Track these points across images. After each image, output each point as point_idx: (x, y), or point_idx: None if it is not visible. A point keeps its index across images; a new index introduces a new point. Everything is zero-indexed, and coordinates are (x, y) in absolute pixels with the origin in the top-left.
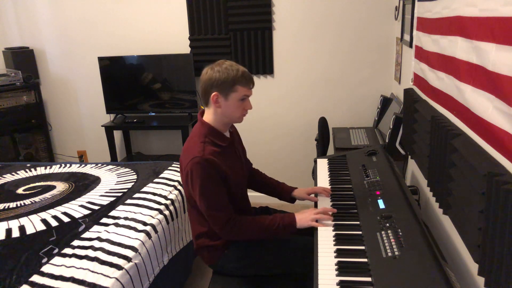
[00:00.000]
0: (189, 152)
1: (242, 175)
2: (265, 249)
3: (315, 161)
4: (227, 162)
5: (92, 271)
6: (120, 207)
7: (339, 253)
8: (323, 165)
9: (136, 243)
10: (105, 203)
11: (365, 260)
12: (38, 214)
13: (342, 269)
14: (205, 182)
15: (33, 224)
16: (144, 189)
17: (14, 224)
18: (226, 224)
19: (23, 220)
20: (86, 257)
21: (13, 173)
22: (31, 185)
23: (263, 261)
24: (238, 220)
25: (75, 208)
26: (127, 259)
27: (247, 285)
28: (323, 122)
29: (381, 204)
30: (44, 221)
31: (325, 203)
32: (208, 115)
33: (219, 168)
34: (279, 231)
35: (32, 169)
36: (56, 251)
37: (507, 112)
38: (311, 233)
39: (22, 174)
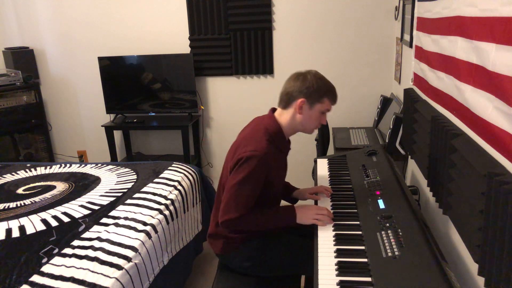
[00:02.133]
0: (252, 142)
1: (281, 185)
2: (277, 252)
3: (315, 161)
4: (277, 168)
5: (92, 271)
6: (120, 207)
7: (339, 253)
8: (323, 165)
9: (136, 243)
10: (105, 203)
11: (365, 260)
12: (38, 214)
13: (342, 269)
14: (251, 176)
15: (33, 224)
16: (144, 189)
17: (14, 224)
18: (234, 221)
19: (23, 220)
20: (86, 257)
21: (13, 173)
22: (31, 185)
23: (273, 263)
24: (245, 220)
25: (75, 208)
26: (127, 259)
27: (252, 284)
28: None
29: (381, 204)
30: (44, 221)
31: (325, 203)
32: (282, 117)
33: (270, 172)
34: (279, 225)
35: (32, 169)
36: (56, 251)
37: (507, 112)
38: (311, 236)
39: (22, 174)
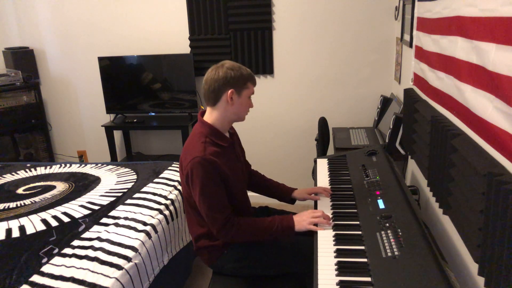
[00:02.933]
0: (190, 152)
1: (242, 176)
2: (265, 250)
3: (315, 161)
4: (227, 163)
5: (92, 271)
6: (120, 207)
7: (339, 253)
8: (323, 165)
9: (136, 243)
10: (105, 203)
11: (365, 260)
12: (38, 214)
13: (342, 269)
14: (206, 182)
15: (33, 224)
16: (144, 189)
17: (14, 224)
18: (225, 226)
19: (23, 220)
20: (86, 257)
21: (13, 173)
22: (31, 185)
23: (263, 262)
24: (237, 222)
25: (75, 208)
26: (127, 259)
27: (246, 285)
28: (323, 122)
29: (381, 204)
30: (44, 221)
31: (325, 203)
32: (212, 115)
33: (220, 169)
34: (278, 234)
35: (32, 169)
36: (56, 251)
37: (507, 112)
38: (310, 233)
39: (22, 174)
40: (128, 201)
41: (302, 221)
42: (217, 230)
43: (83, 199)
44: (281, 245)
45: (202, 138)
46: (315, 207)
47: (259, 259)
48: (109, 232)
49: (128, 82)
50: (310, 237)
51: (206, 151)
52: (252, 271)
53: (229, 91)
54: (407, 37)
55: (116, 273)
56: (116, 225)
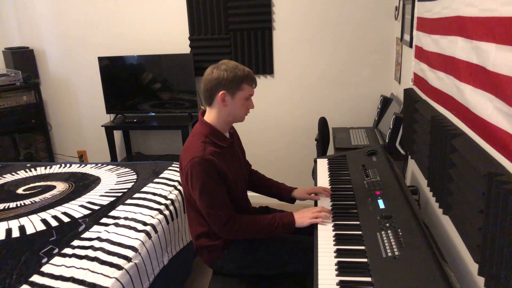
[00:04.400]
0: (189, 152)
1: (242, 176)
2: (265, 249)
3: (315, 161)
4: (227, 162)
5: (92, 271)
6: (120, 207)
7: (339, 253)
8: (323, 165)
9: (136, 243)
10: (105, 203)
11: (365, 260)
12: (38, 214)
13: (342, 269)
14: (205, 181)
15: (33, 224)
16: (144, 189)
17: (14, 224)
18: (226, 224)
19: (23, 220)
20: (86, 257)
21: (13, 173)
22: (31, 185)
23: (263, 261)
24: (238, 219)
25: (75, 208)
26: (127, 259)
27: (246, 285)
28: (323, 122)
29: (381, 204)
30: (44, 221)
31: (325, 203)
32: (210, 115)
33: (219, 169)
34: (278, 230)
35: (32, 169)
36: (56, 251)
37: (507, 112)
38: (310, 232)
39: (22, 174)
40: (128, 201)
41: (303, 217)
42: (219, 228)
43: (83, 199)
44: (282, 245)
45: (202, 138)
46: (315, 206)
47: (259, 259)
48: (109, 232)
49: (128, 82)
50: (310, 236)
51: (205, 151)
52: (252, 271)
53: (221, 93)
54: (407, 37)
55: (116, 273)
56: (116, 225)
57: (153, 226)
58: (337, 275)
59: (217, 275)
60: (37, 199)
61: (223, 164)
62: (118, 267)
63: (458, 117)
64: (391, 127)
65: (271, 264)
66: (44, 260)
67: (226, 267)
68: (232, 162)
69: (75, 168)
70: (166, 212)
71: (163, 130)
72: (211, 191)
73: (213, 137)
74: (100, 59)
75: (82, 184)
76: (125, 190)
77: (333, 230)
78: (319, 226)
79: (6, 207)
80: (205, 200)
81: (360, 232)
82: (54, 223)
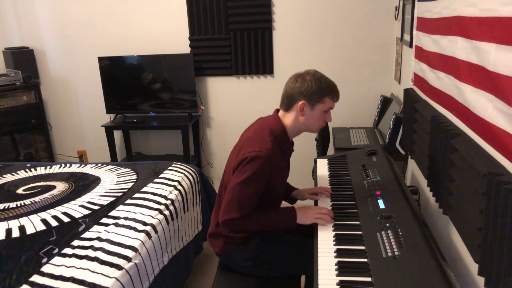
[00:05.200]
0: (258, 142)
1: (284, 185)
2: (277, 251)
3: (315, 161)
4: (280, 170)
5: (92, 271)
6: (120, 207)
7: (339, 253)
8: (323, 165)
9: (136, 243)
10: (105, 203)
11: (365, 260)
12: (38, 214)
13: (342, 269)
14: (255, 177)
15: (33, 224)
16: (144, 189)
17: (14, 224)
18: (235, 221)
19: (23, 220)
20: (86, 257)
21: (13, 173)
22: (31, 185)
23: (273, 263)
24: (247, 220)
25: (75, 208)
26: (127, 259)
27: (252, 283)
28: None
29: (381, 204)
30: (44, 221)
31: (325, 203)
32: (285, 118)
33: (273, 173)
34: (280, 224)
35: (32, 169)
36: (56, 251)
37: (507, 112)
38: (310, 234)
39: (22, 174)
40: (128, 201)
41: (306, 215)
42: (224, 220)
43: (83, 199)
44: (294, 248)
45: (272, 136)
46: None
47: (269, 260)
48: (109, 232)
49: (128, 82)
50: (311, 239)
51: (272, 151)
52: (261, 271)
53: (300, 103)
54: (407, 37)
55: (116, 273)
56: (116, 225)
57: (153, 226)
58: (337, 275)
59: (223, 272)
60: (37, 199)
61: (278, 170)
62: (118, 267)
63: (458, 117)
64: (391, 127)
65: (283, 265)
66: (44, 260)
67: (236, 261)
68: (284, 171)
69: (75, 168)
70: (166, 212)
71: (163, 130)
72: (252, 187)
73: (281, 139)
74: (100, 59)
75: (82, 184)
76: (125, 190)
77: (333, 230)
78: (319, 226)
79: (6, 207)
80: (241, 191)
81: (360, 232)
82: (54, 223)
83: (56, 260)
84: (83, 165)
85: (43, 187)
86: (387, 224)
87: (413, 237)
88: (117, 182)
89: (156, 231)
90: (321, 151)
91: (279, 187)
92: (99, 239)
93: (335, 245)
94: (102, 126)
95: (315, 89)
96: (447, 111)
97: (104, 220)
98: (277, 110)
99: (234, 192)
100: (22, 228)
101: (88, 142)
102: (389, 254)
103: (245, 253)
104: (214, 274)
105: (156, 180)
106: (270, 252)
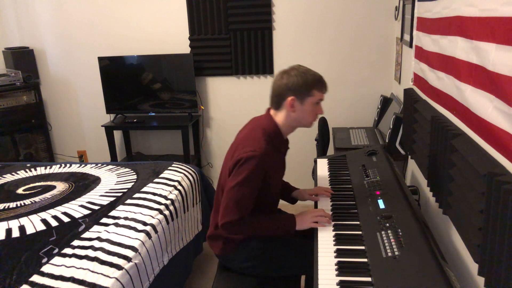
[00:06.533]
0: (251, 142)
1: (279, 183)
2: (277, 252)
3: (315, 161)
4: (275, 168)
5: (92, 271)
6: (120, 207)
7: (339, 253)
8: (323, 165)
9: (136, 243)
10: (105, 203)
11: (365, 260)
12: (38, 214)
13: (342, 269)
14: (251, 177)
15: (33, 224)
16: (144, 189)
17: (14, 224)
18: (235, 223)
19: (23, 220)
20: (86, 257)
21: (13, 173)
22: (31, 185)
23: (273, 263)
24: (245, 222)
25: (75, 208)
26: (127, 259)
27: (252, 284)
28: (323, 122)
29: (381, 204)
30: (44, 221)
31: (325, 203)
32: (277, 117)
33: (268, 172)
34: (279, 232)
35: (32, 169)
36: (56, 251)
37: (507, 112)
38: (311, 236)
39: (22, 174)
40: (128, 201)
41: (304, 219)
42: (224, 222)
43: (83, 199)
44: (294, 249)
45: (266, 135)
46: (315, 207)
47: (269, 260)
48: (109, 232)
49: (128, 82)
50: (311, 239)
51: (266, 150)
52: (261, 272)
53: (290, 98)
54: (407, 37)
55: (116, 273)
56: (116, 225)
57: (153, 226)
58: (337, 275)
59: (223, 272)
60: (37, 199)
61: (273, 169)
62: (118, 267)
63: (458, 117)
64: (391, 127)
65: (283, 266)
66: (44, 260)
67: (235, 262)
68: (279, 169)
69: (75, 168)
70: (166, 212)
71: (163, 130)
72: (248, 188)
73: (274, 138)
74: (100, 59)
75: (82, 184)
76: (125, 190)
77: (333, 230)
78: (319, 223)
79: (6, 207)
80: (238, 192)
81: (360, 232)
82: (54, 223)
83: (56, 260)
84: (83, 165)
85: (43, 187)
86: (387, 224)
87: (413, 237)
88: (117, 182)
89: (156, 231)
90: (321, 151)
91: (274, 185)
92: (99, 239)
93: (335, 245)
94: (102, 126)
95: (302, 83)
96: (447, 111)
97: (104, 220)
98: (270, 109)
99: (231, 195)
100: (22, 228)
101: (88, 142)
102: (389, 254)
103: (245, 253)
104: (214, 274)
105: (156, 180)
106: (270, 253)
